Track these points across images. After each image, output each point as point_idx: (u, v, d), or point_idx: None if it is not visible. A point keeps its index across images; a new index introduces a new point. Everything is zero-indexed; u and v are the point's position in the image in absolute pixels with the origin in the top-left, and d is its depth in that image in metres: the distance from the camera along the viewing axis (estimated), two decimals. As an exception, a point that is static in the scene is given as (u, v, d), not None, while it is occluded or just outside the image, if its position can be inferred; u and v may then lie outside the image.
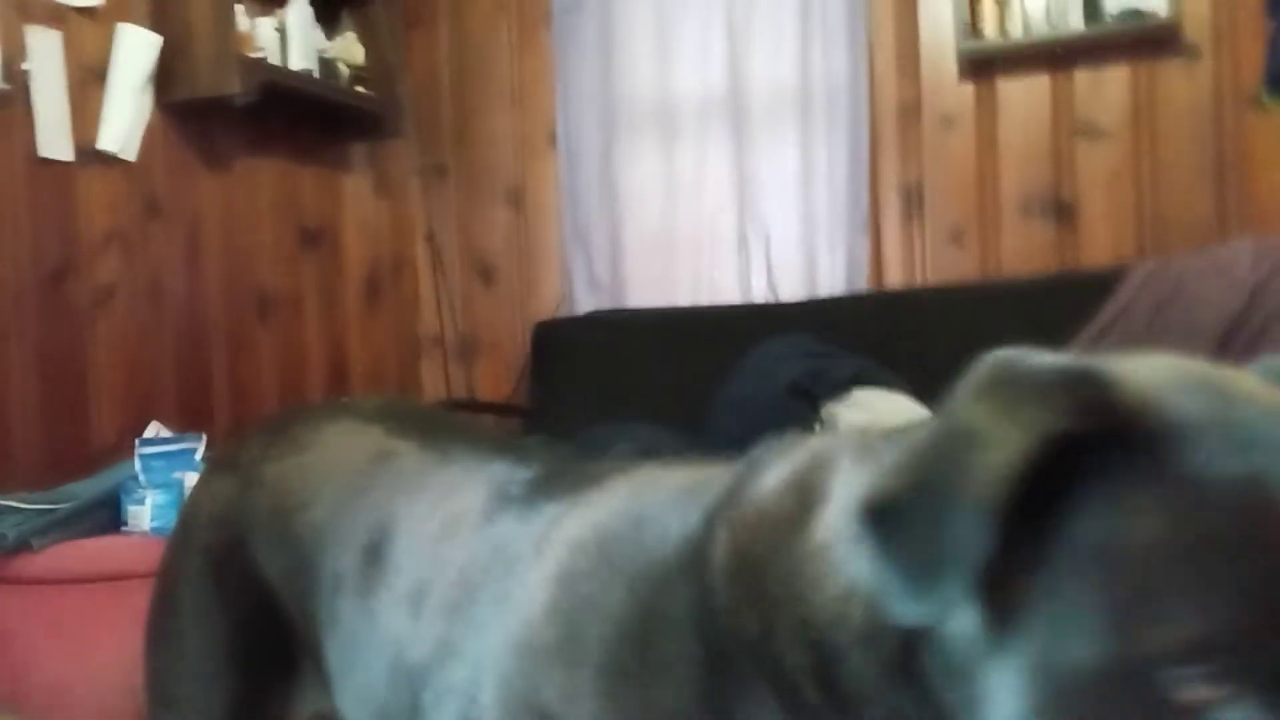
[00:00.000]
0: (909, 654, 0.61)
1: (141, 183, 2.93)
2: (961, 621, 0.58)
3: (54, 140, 2.66)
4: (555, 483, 0.91)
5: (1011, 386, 0.57)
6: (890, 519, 0.56)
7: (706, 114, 3.65)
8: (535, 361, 3.64)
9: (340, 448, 1.11)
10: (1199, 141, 3.29)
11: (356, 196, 3.77)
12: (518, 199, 3.91)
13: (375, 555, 0.99)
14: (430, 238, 3.98)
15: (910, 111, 3.50)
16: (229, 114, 3.07)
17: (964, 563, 0.53)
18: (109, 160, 2.82)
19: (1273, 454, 0.54)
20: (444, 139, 3.95)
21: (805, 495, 0.67)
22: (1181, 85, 3.30)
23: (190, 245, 3.08)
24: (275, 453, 1.13)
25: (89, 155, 2.77)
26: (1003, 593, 0.56)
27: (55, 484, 2.50)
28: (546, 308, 3.83)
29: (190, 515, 1.16)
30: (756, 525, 0.69)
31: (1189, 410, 0.55)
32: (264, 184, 3.36)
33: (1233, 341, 2.96)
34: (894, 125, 3.52)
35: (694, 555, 0.71)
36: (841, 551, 0.63)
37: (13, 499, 2.35)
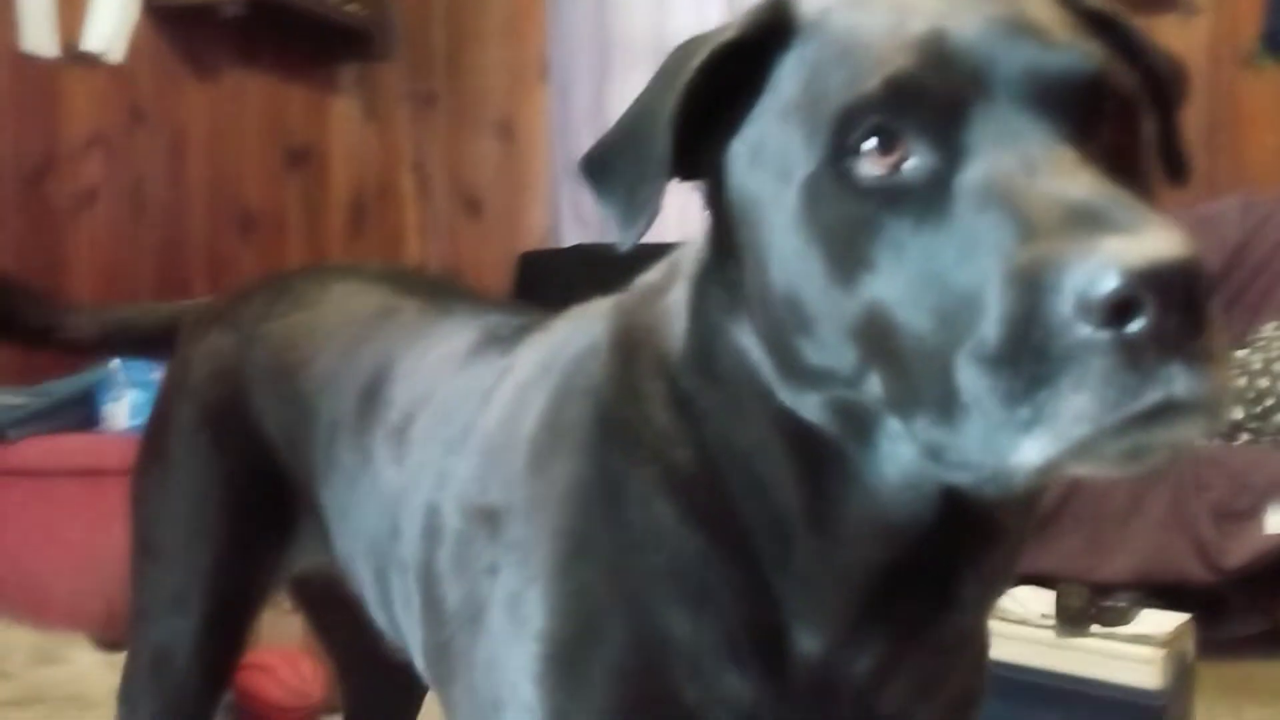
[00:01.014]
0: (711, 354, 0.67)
1: (127, 87, 2.88)
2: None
3: (38, 36, 2.62)
4: (539, 324, 0.92)
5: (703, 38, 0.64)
6: (598, 164, 0.65)
7: (701, 49, 3.61)
8: (518, 292, 3.62)
9: (345, 305, 1.09)
10: (1192, 99, 3.28)
11: (344, 119, 3.73)
12: (507, 130, 3.87)
13: (371, 396, 0.98)
14: (418, 166, 3.94)
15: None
16: (217, 23, 3.03)
17: (655, 171, 0.61)
18: (94, 61, 2.78)
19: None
20: (435, 66, 3.90)
21: (671, 270, 0.74)
22: (1176, 41, 3.29)
23: (174, 155, 3.05)
24: (279, 310, 1.11)
25: (74, 54, 2.72)
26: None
27: (30, 383, 2.48)
28: (532, 241, 3.80)
29: (184, 370, 1.13)
30: (639, 300, 0.76)
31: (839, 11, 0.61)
32: (251, 99, 3.31)
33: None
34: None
35: (596, 338, 0.76)
36: (685, 298, 0.69)
37: (-13, 394, 2.33)
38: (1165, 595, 2.29)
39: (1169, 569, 2.41)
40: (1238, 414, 2.66)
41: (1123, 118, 0.59)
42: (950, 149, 0.54)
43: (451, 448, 0.86)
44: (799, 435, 0.62)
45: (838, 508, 0.62)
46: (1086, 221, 0.47)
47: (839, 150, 0.55)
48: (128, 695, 1.10)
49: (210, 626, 1.07)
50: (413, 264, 3.96)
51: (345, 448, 1.00)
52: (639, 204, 0.63)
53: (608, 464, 0.71)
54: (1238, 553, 2.36)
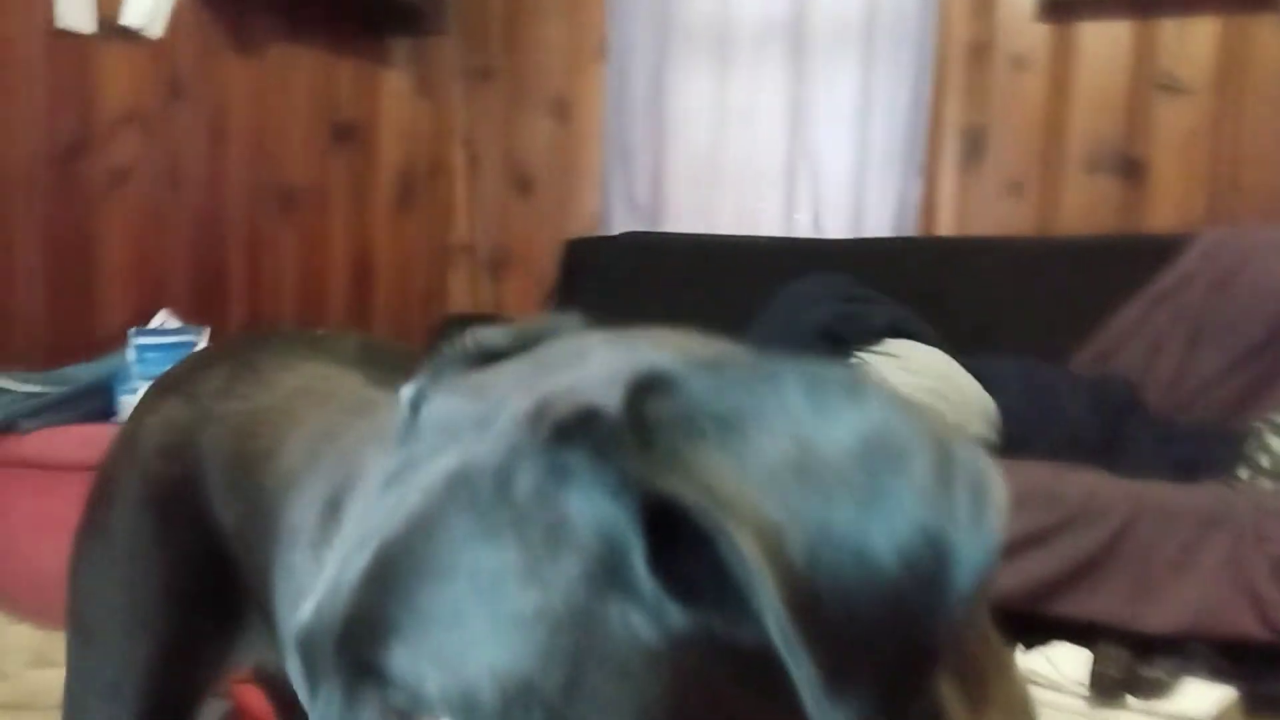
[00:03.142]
0: None
1: (166, 62, 2.82)
2: None
3: (74, 11, 2.56)
4: None
5: None
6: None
7: (765, 38, 3.46)
8: (564, 280, 3.53)
9: (314, 393, 1.00)
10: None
11: (395, 95, 3.64)
12: (562, 110, 3.76)
13: (335, 507, 0.89)
14: (469, 143, 3.85)
15: (980, 50, 3.29)
16: (264, -3, 2.96)
17: None
18: (132, 36, 2.71)
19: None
20: (491, 41, 3.79)
21: None
22: (1275, 44, 3.06)
23: (214, 131, 2.98)
24: (241, 389, 1.02)
25: (111, 29, 2.66)
26: None
27: (56, 367, 2.44)
28: (582, 225, 3.70)
29: (135, 438, 1.05)
30: None
31: None
32: (298, 74, 3.24)
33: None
34: (961, 64, 3.31)
35: None
36: None
37: (6, 379, 2.29)
38: (1215, 650, 2.16)
39: (1221, 624, 2.26)
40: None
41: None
42: None
43: None
44: None
45: None
46: None
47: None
48: None
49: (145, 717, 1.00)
50: (460, 244, 3.88)
51: (303, 559, 0.91)
52: None
53: None
54: (1298, 614, 2.20)
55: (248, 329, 3.10)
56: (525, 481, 0.46)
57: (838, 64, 3.39)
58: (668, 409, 0.45)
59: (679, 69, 3.55)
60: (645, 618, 0.44)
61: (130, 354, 2.34)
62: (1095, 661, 1.84)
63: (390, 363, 1.06)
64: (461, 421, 0.51)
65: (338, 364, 1.03)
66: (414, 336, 3.60)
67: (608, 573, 0.45)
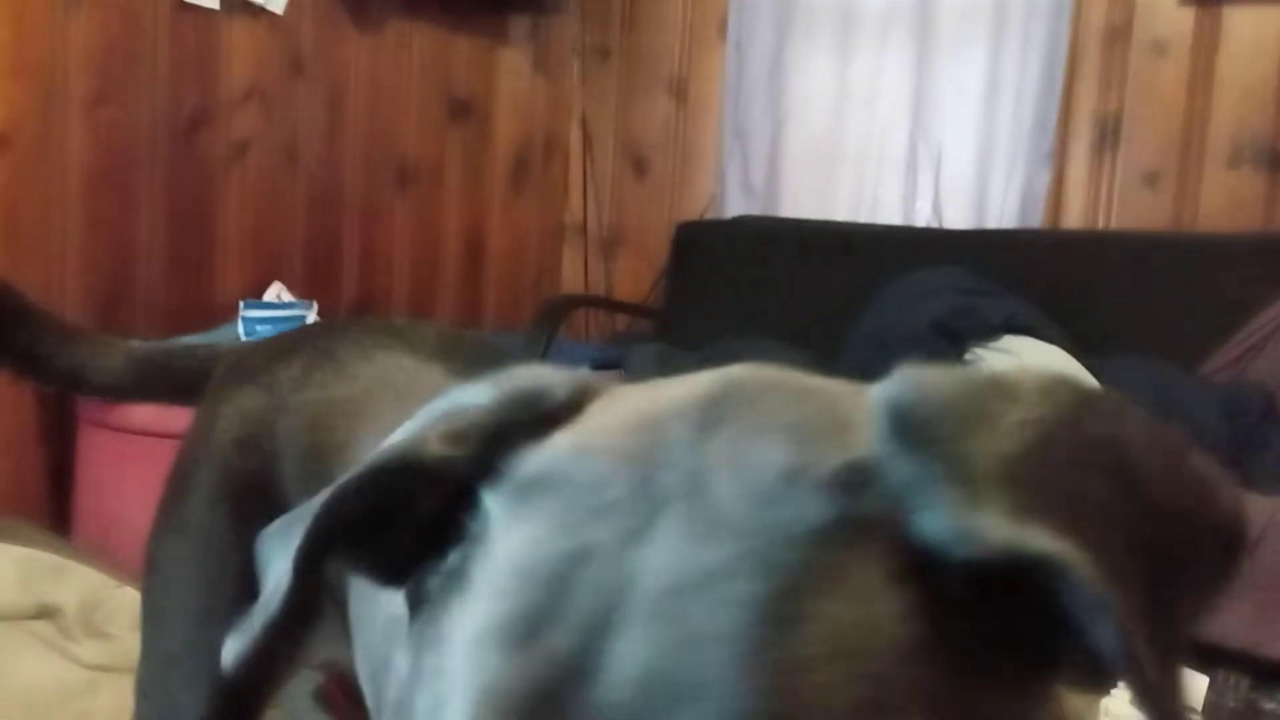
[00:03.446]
0: None
1: (287, 38, 2.85)
2: None
3: (200, -14, 2.60)
4: None
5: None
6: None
7: (890, 19, 3.35)
8: (675, 263, 3.48)
9: (389, 385, 0.97)
10: None
11: (512, 72, 3.63)
12: (680, 90, 3.71)
13: None
14: (585, 122, 3.82)
15: (1117, 34, 3.14)
16: (384, -26, 2.97)
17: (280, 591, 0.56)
18: (255, 11, 2.75)
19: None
20: (610, 19, 3.76)
21: None
22: None
23: (332, 107, 3.01)
24: (319, 378, 1.00)
25: (235, 5, 2.70)
26: None
27: (174, 336, 2.50)
28: (696, 207, 3.65)
29: (211, 429, 1.03)
30: None
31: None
32: (415, 50, 3.25)
33: None
34: (1097, 48, 3.16)
35: None
36: None
37: (123, 347, 2.35)
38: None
39: (1356, 654, 2.12)
40: None
41: None
42: None
43: None
44: None
45: None
46: None
47: None
48: None
49: (217, 717, 1.00)
50: (574, 223, 3.87)
51: None
52: None
53: None
54: None
55: (359, 304, 3.14)
56: (812, 566, 0.38)
57: (965, 45, 3.27)
58: (940, 448, 0.40)
59: (800, 49, 3.46)
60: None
61: (239, 326, 2.38)
62: (1211, 689, 1.73)
63: (469, 355, 1.03)
64: (638, 496, 0.41)
65: (416, 355, 1.00)
66: (524, 315, 3.60)
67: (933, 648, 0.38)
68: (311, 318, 2.52)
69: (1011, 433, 0.40)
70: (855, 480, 0.40)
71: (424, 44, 3.28)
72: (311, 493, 0.95)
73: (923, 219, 3.35)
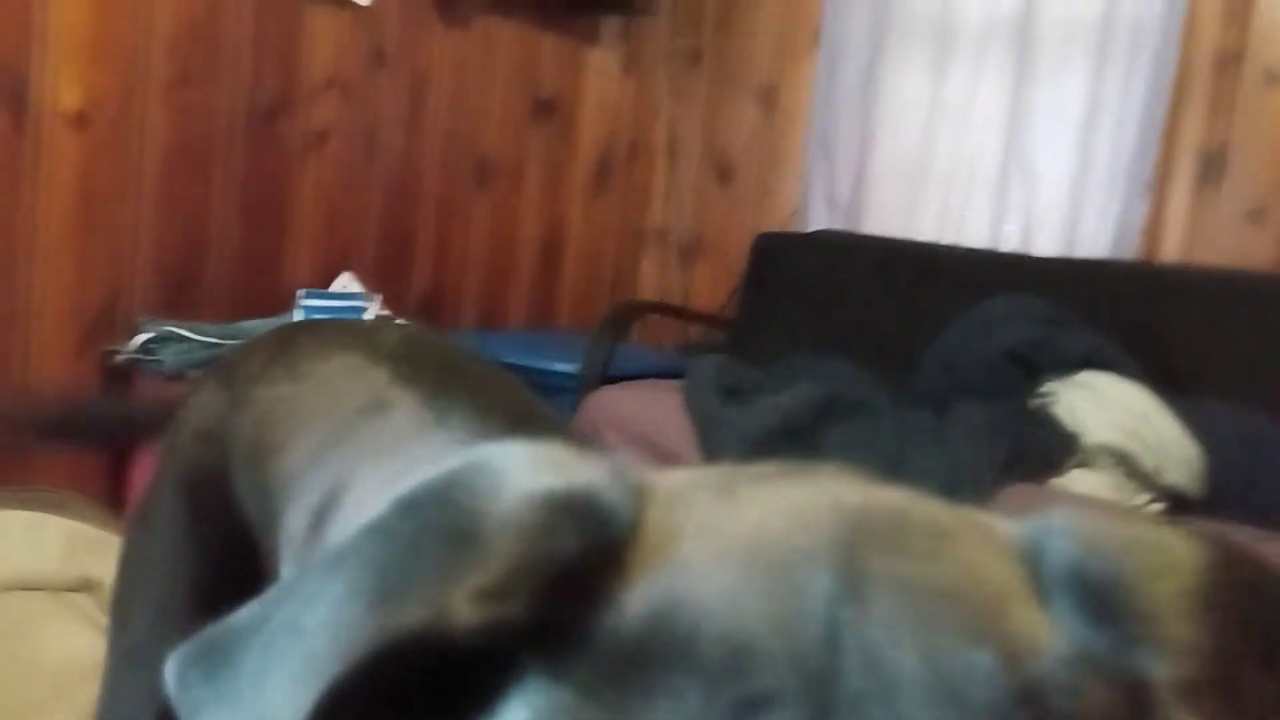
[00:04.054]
0: None
1: (371, 28, 2.86)
2: None
3: (287, -25, 2.62)
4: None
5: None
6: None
7: (988, 36, 3.24)
8: (752, 273, 3.42)
9: (333, 388, 0.93)
10: None
11: (600, 73, 3.60)
12: (769, 98, 3.64)
13: (322, 517, 0.83)
14: (671, 127, 3.77)
15: (1229, 61, 2.98)
16: (473, -31, 2.96)
17: None
18: (341, 2, 2.76)
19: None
20: (702, 24, 3.70)
21: None
22: None
23: (413, 99, 3.01)
24: (271, 375, 0.97)
25: (323, -5, 2.72)
26: None
27: (239, 321, 2.52)
28: (779, 218, 3.58)
29: (180, 423, 1.02)
30: None
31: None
32: (501, 46, 3.24)
33: None
34: (1206, 75, 3.01)
35: None
36: None
37: (185, 328, 2.37)
38: None
39: None
40: None
41: None
42: None
43: None
44: None
45: None
46: None
47: None
48: None
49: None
50: (654, 228, 3.82)
51: (291, 566, 0.86)
52: None
53: None
54: None
55: (428, 299, 3.13)
56: None
57: (1066, 66, 3.14)
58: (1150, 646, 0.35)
59: (893, 63, 3.37)
60: None
61: (298, 314, 2.38)
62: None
63: (427, 358, 0.97)
64: (803, 687, 0.32)
65: (371, 356, 0.96)
66: (598, 319, 3.57)
67: None
68: (373, 310, 2.51)
69: (1194, 615, 0.34)
70: (1062, 685, 0.33)
71: (511, 41, 3.26)
72: (254, 498, 0.92)
73: (1011, 243, 3.23)
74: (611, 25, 3.61)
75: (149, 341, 2.36)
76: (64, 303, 2.37)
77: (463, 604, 0.33)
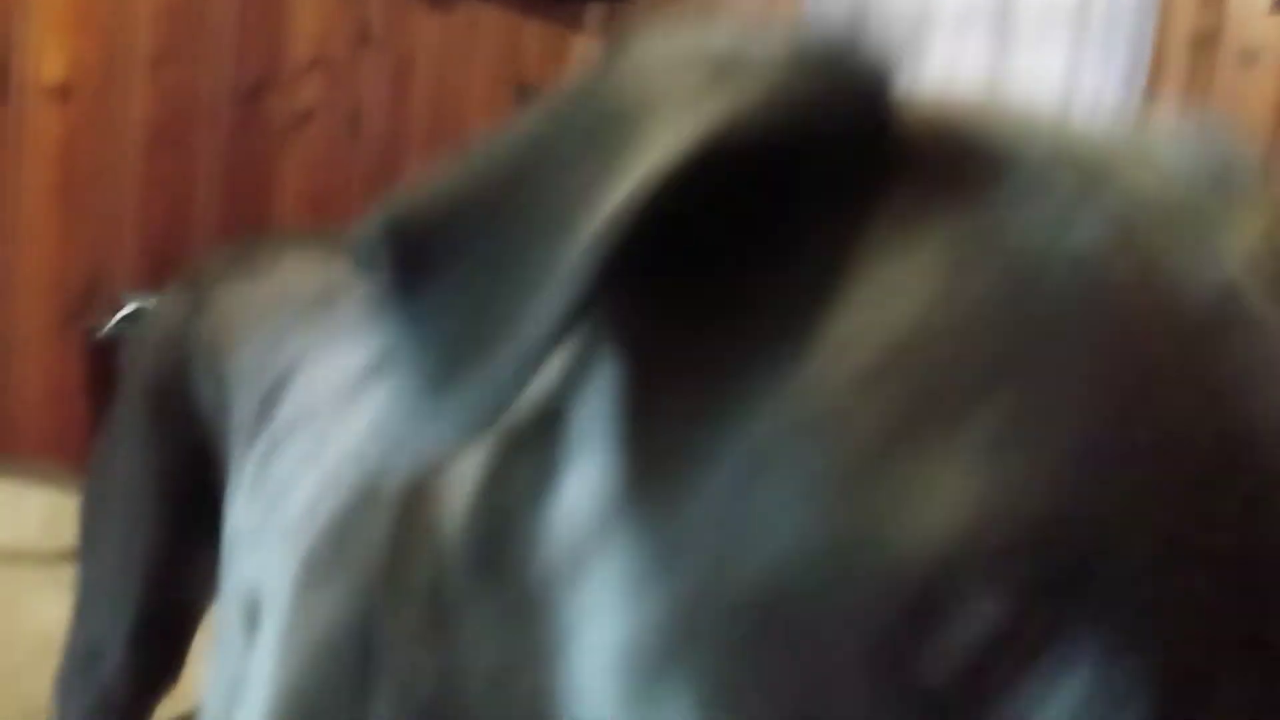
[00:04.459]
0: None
1: (356, 8, 2.87)
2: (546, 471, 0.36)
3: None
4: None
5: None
6: (419, 243, 0.33)
7: (965, 20, 3.27)
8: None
9: (289, 282, 0.93)
10: None
11: (584, 60, 3.62)
12: (752, 86, 3.65)
13: (267, 405, 0.83)
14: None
15: (1205, 42, 3.01)
16: (456, -49, 2.97)
17: (534, 333, 0.30)
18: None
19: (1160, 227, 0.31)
20: (685, 10, 3.71)
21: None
22: None
23: (397, 81, 3.02)
24: (230, 273, 0.98)
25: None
26: (628, 419, 0.33)
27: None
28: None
29: (144, 332, 1.04)
30: None
31: (1022, 141, 0.33)
32: (484, 30, 3.25)
33: None
34: (1183, 56, 3.04)
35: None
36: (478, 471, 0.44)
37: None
38: None
39: None
40: None
41: None
42: None
43: (273, 506, 0.69)
44: None
45: None
46: None
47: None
48: (60, 688, 1.03)
49: (140, 628, 0.97)
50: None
51: (240, 458, 0.85)
52: (470, 365, 0.31)
53: (365, 642, 0.49)
54: None
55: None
56: None
57: (1043, 49, 3.17)
58: None
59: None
60: None
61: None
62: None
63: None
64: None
65: (329, 251, 0.97)
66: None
67: None
68: (356, 285, 2.52)
69: None
70: None
71: (494, 26, 3.27)
72: (213, 397, 0.91)
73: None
74: (595, 12, 3.63)
75: (131, 316, 2.36)
76: (45, 277, 2.37)
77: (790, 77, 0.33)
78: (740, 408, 0.30)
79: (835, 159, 0.33)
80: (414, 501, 0.49)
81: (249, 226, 2.72)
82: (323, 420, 0.71)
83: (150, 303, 2.37)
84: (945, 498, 0.26)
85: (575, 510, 0.35)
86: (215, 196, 2.63)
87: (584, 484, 0.35)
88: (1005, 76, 3.23)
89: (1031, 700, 0.26)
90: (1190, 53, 3.04)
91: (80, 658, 1.01)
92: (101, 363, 2.44)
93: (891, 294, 0.30)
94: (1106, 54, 3.09)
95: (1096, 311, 0.29)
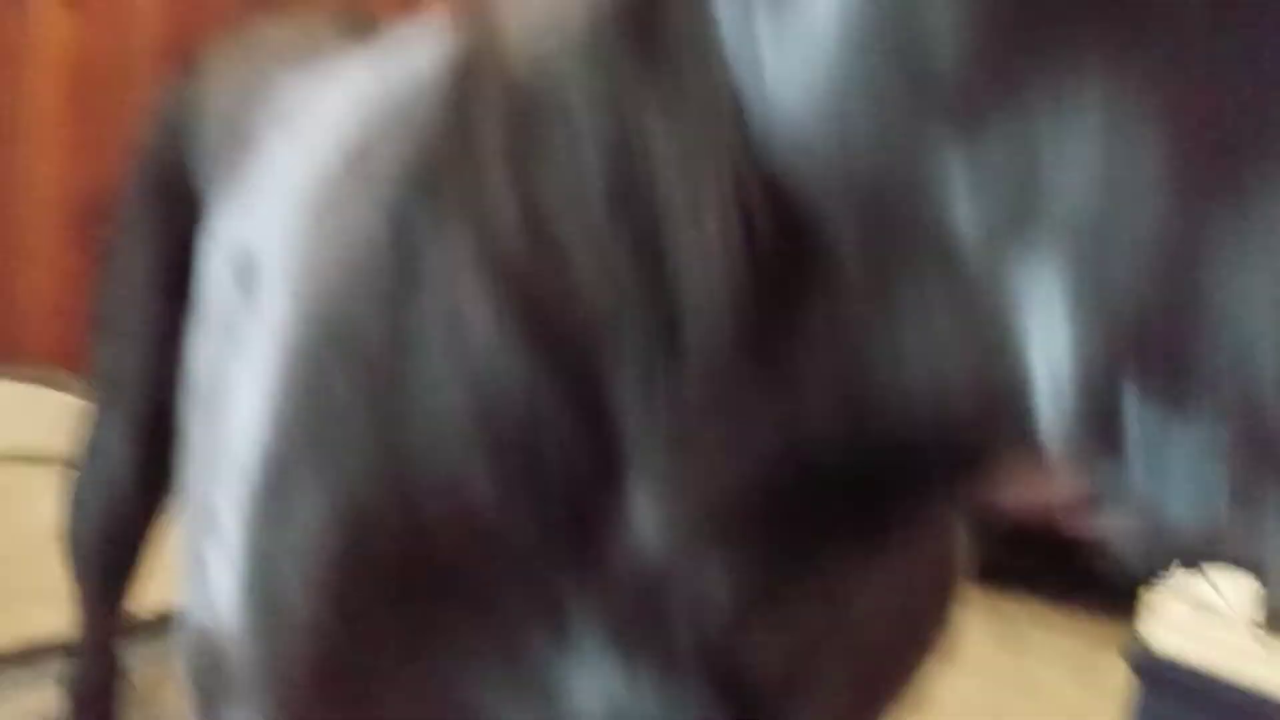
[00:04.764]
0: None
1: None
2: None
3: None
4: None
5: None
6: None
7: None
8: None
9: (279, 47, 0.88)
10: None
11: None
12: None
13: (244, 139, 0.78)
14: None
15: None
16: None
17: None
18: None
19: None
20: None
21: None
22: None
23: None
24: (227, 52, 0.95)
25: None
26: None
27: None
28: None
29: (148, 124, 1.01)
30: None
31: None
32: None
33: None
34: None
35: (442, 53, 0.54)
36: None
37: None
38: None
39: None
40: None
41: None
42: None
43: (264, 175, 0.66)
44: (769, 223, 0.37)
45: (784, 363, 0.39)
46: None
47: None
48: (69, 502, 1.03)
49: (142, 420, 0.95)
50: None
51: (216, 200, 0.81)
52: None
53: (411, 227, 0.47)
54: None
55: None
56: None
57: None
58: None
59: None
60: None
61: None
62: (1268, 587, 1.61)
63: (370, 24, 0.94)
64: None
65: (323, 22, 0.93)
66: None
67: None
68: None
69: None
70: None
71: None
72: (205, 175, 0.86)
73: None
74: None
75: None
76: (55, 186, 2.36)
77: None
78: None
79: None
80: (478, 51, 0.47)
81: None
82: (308, 110, 0.68)
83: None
84: None
85: None
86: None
87: None
88: None
89: None
90: None
91: (87, 458, 1.00)
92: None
93: None
94: None
95: None
